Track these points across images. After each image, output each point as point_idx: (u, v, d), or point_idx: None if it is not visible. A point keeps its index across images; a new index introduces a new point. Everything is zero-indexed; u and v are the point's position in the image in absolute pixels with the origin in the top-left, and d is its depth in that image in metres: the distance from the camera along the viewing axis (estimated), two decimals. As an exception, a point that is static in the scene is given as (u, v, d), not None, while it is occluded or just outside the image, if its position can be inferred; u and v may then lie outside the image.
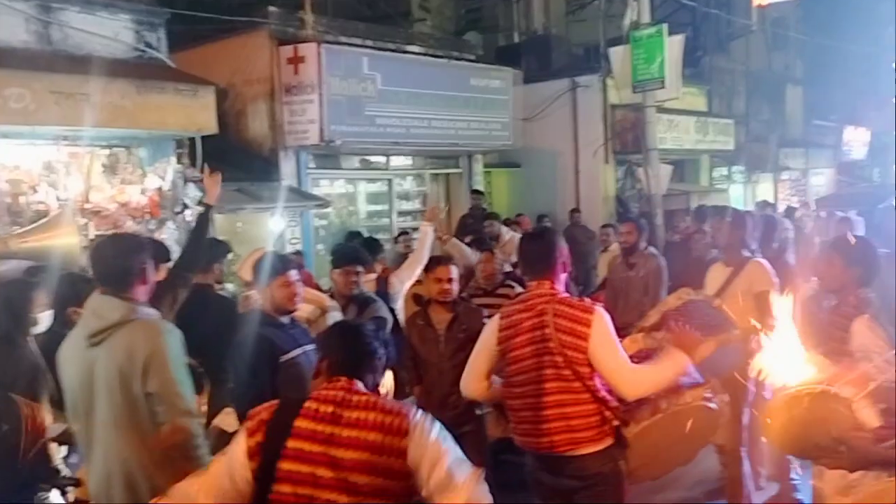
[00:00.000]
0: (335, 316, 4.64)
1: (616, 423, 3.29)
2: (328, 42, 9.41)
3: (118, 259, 3.03)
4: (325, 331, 2.61)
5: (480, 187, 12.21)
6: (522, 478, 3.63)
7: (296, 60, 9.25)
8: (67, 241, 5.31)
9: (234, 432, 2.50)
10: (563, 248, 3.52)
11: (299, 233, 9.46)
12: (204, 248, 4.69)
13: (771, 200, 14.91)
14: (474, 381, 3.59)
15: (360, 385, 2.37)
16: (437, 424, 2.33)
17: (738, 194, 17.82)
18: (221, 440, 3.13)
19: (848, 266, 3.74)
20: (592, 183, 13.93)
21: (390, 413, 2.26)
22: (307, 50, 9.18)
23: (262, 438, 2.26)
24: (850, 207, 11.35)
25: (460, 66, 11.15)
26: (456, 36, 13.05)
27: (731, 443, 4.87)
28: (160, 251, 4.45)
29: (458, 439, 4.48)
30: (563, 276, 3.49)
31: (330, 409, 2.26)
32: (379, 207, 11.60)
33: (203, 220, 4.68)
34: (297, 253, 7.48)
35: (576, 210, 12.74)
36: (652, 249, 6.70)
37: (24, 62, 6.62)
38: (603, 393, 3.29)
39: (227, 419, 3.82)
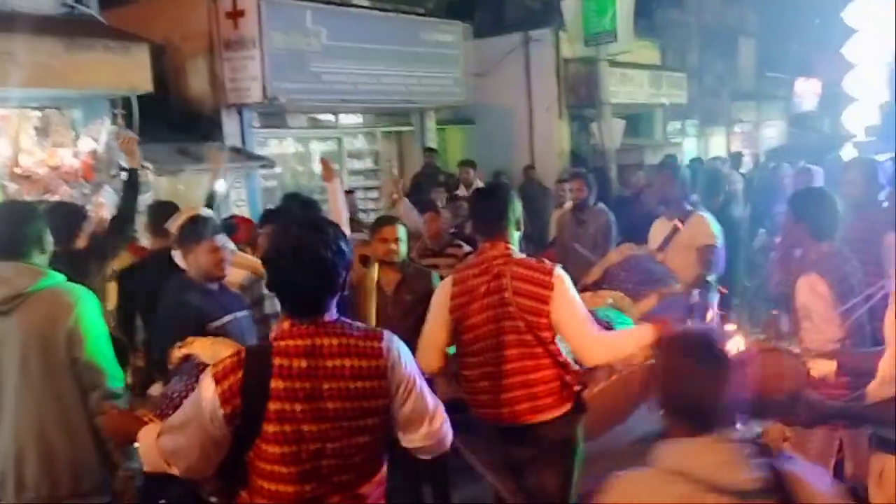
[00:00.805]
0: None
1: (577, 388, 3.20)
2: (269, -6, 9.07)
3: (13, 226, 2.86)
4: (263, 256, 2.34)
5: (434, 145, 12.01)
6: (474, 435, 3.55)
7: (235, 14, 8.91)
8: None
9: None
10: (516, 205, 3.35)
11: (245, 194, 9.21)
12: (132, 214, 4.50)
13: (736, 153, 14.91)
14: (434, 354, 3.32)
15: (326, 321, 2.19)
16: (400, 345, 2.28)
17: (692, 148, 17.86)
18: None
19: (797, 219, 3.69)
20: (547, 139, 13.82)
21: (366, 356, 2.19)
22: (246, 3, 8.83)
23: (240, 404, 2.10)
24: (800, 158, 11.39)
25: (409, 20, 10.84)
26: (410, -11, 12.69)
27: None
28: (76, 216, 4.25)
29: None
30: (516, 235, 3.33)
31: (304, 362, 2.12)
32: (329, 167, 11.32)
33: (130, 186, 4.49)
34: (232, 217, 7.13)
35: (530, 167, 12.63)
36: (601, 206, 6.64)
37: (-61, 19, 6.24)
38: (564, 357, 3.20)
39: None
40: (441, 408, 2.33)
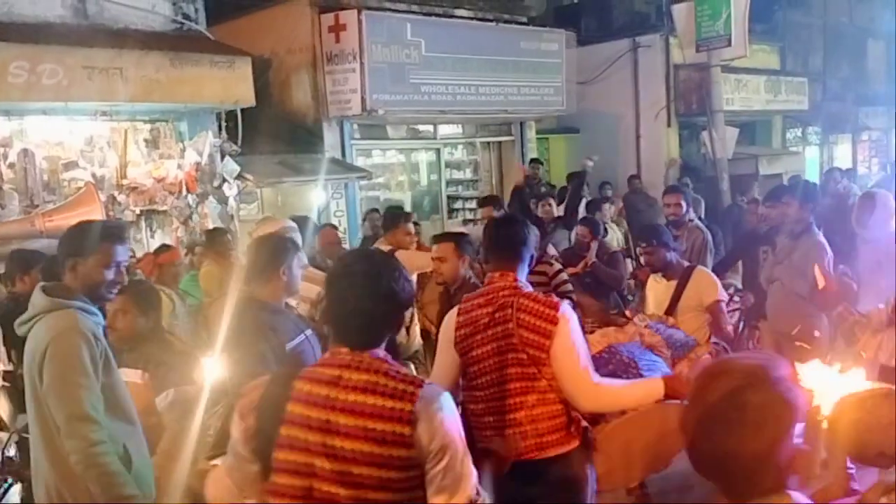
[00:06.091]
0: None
1: (584, 424, 3.04)
2: (370, 8, 9.16)
3: (60, 247, 2.89)
4: (330, 273, 2.22)
5: (534, 154, 11.83)
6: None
7: (337, 28, 9.05)
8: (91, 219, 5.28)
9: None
10: (530, 237, 3.21)
11: (343, 205, 9.33)
12: None
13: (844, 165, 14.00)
14: None
15: (366, 356, 2.06)
16: (446, 402, 2.06)
17: (814, 157, 16.90)
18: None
19: None
20: (654, 147, 13.41)
21: (393, 396, 1.99)
22: (348, 17, 8.96)
23: (255, 423, 2.06)
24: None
25: (509, 30, 10.72)
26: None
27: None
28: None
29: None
30: (526, 269, 3.17)
31: (324, 391, 2.01)
32: (429, 177, 11.37)
33: None
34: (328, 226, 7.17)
35: (635, 176, 12.26)
36: (697, 222, 6.28)
37: (56, 37, 6.60)
38: None
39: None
40: (473, 483, 2.08)
